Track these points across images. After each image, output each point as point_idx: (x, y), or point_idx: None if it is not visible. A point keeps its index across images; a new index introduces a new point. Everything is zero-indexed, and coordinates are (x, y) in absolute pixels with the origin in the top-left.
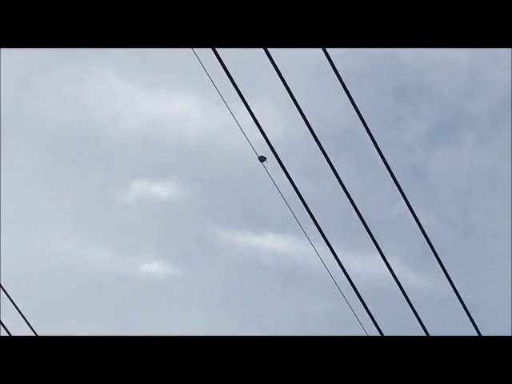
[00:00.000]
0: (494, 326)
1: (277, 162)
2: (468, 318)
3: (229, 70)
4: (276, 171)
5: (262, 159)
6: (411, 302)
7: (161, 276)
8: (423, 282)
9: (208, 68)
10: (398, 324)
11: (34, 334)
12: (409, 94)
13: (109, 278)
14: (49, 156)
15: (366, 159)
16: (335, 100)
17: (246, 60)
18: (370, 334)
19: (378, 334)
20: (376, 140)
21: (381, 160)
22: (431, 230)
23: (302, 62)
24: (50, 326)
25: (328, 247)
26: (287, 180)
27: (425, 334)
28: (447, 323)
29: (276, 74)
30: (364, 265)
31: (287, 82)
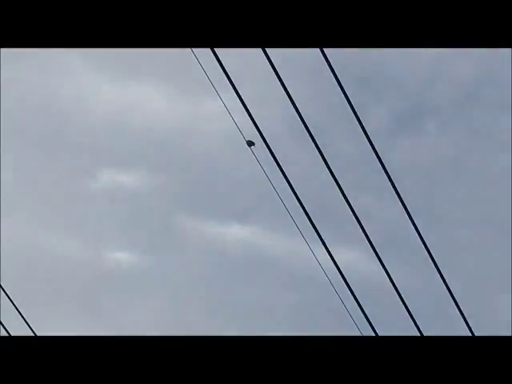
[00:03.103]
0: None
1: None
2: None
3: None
4: (247, 159)
5: (250, 144)
6: (401, 299)
7: (128, 265)
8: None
9: (186, 56)
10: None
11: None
12: (371, 82)
13: (76, 267)
14: (15, 145)
15: (331, 151)
16: (307, 94)
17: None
18: (355, 332)
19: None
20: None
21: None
22: (395, 220)
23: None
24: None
25: (321, 242)
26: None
27: (418, 334)
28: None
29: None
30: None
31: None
